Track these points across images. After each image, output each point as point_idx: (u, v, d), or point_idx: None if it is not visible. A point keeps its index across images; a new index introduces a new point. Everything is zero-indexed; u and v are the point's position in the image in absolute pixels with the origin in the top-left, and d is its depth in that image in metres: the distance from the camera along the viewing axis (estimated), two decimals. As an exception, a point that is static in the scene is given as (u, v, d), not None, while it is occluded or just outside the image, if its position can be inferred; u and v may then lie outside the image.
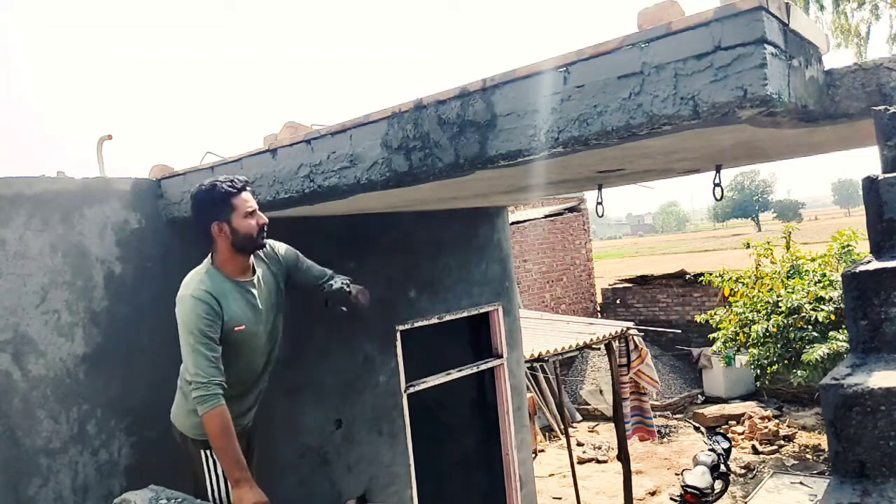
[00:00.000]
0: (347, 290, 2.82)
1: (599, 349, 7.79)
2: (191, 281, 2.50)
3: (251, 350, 2.58)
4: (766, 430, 10.10)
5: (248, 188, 2.54)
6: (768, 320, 8.00)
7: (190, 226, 2.83)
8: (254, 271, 2.62)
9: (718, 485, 7.75)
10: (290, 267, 2.79)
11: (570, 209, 14.46)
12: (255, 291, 2.59)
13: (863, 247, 7.67)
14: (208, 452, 2.58)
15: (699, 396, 12.23)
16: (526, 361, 6.21)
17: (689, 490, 7.43)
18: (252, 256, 2.62)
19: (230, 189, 2.47)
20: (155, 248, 3.22)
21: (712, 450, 8.09)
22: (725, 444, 8.40)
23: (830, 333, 7.40)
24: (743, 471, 9.09)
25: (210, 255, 2.59)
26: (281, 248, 2.79)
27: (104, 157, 3.48)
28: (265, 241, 2.62)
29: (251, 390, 2.68)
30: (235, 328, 2.47)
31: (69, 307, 2.93)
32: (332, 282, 2.84)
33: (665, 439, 10.57)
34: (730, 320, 8.69)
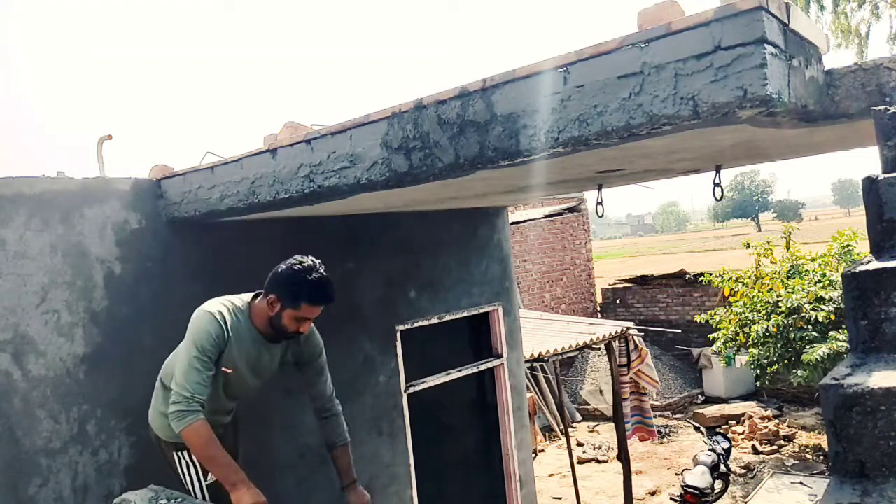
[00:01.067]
0: (341, 442, 2.88)
1: (599, 349, 7.79)
2: (221, 303, 2.53)
3: (223, 388, 2.61)
4: (766, 430, 10.10)
5: (325, 305, 2.51)
6: (768, 320, 8.00)
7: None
8: (277, 339, 2.64)
9: (718, 485, 7.75)
10: (306, 359, 2.76)
11: (570, 209, 14.46)
12: (264, 352, 2.62)
13: (863, 247, 7.67)
14: (181, 454, 2.61)
15: (699, 396, 12.23)
16: (526, 361, 6.21)
17: (689, 490, 7.43)
18: None
19: (311, 297, 2.44)
20: (155, 248, 3.22)
21: (712, 450, 8.09)
22: (725, 444, 8.40)
23: (830, 333, 7.39)
24: (743, 471, 9.09)
25: (254, 294, 2.60)
26: (313, 340, 2.76)
27: (104, 157, 3.48)
28: (290, 337, 2.62)
29: (222, 412, 2.73)
30: (223, 367, 2.50)
31: (69, 307, 2.93)
32: (330, 418, 2.85)
33: (665, 439, 10.57)
34: (730, 320, 8.69)
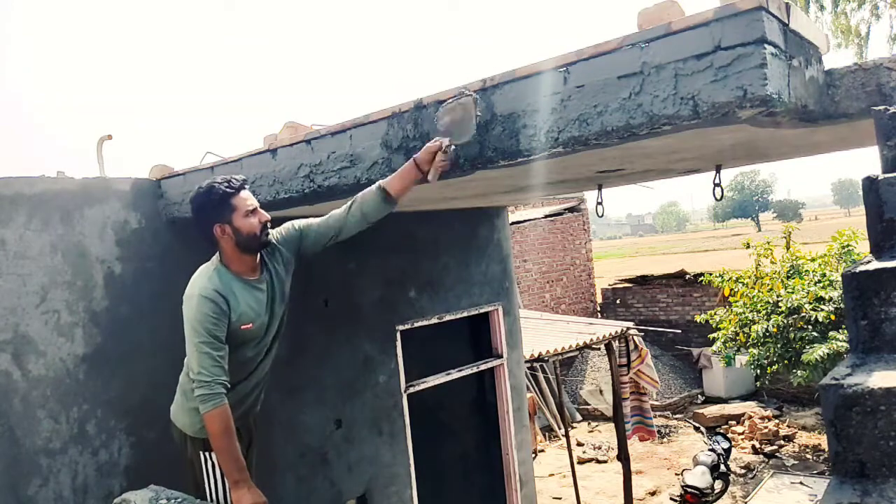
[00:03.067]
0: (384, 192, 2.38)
1: (599, 349, 7.79)
2: (199, 279, 2.48)
3: (255, 344, 2.57)
4: (766, 430, 10.10)
5: (246, 187, 2.49)
6: (768, 320, 7.99)
7: (192, 229, 2.80)
8: (262, 267, 2.58)
9: (718, 485, 7.75)
10: (295, 246, 2.64)
11: (570, 209, 14.45)
12: (263, 287, 2.56)
13: (863, 247, 7.67)
14: (208, 455, 2.56)
15: (699, 396, 12.23)
16: (526, 361, 6.21)
17: (689, 490, 7.43)
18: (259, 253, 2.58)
19: (227, 189, 2.43)
20: (155, 248, 3.22)
21: (712, 450, 8.09)
22: (725, 444, 8.40)
23: (830, 333, 7.39)
24: (743, 471, 9.09)
25: (217, 254, 2.56)
26: (278, 234, 2.63)
27: (104, 157, 3.48)
28: (269, 237, 2.55)
29: (252, 379, 2.66)
30: (242, 326, 2.45)
31: (69, 307, 2.93)
32: (358, 199, 2.48)
33: (665, 439, 10.56)
34: (730, 320, 8.68)
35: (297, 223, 2.64)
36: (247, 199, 2.47)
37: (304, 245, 2.64)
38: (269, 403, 3.01)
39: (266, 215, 2.49)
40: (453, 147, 2.12)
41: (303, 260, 2.69)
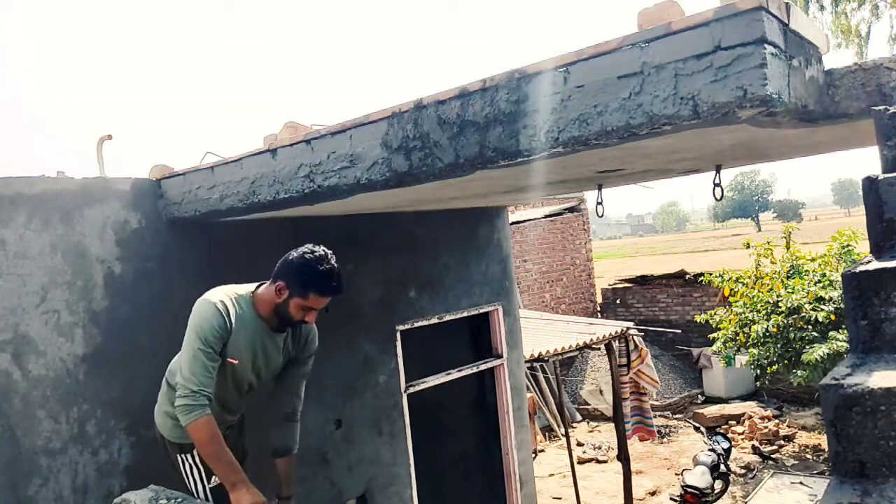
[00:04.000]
0: (294, 449, 2.79)
1: (599, 349, 7.79)
2: (223, 292, 2.49)
3: (232, 381, 2.59)
4: (766, 430, 10.10)
5: (338, 295, 2.48)
6: (768, 320, 7.99)
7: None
8: (282, 330, 2.62)
9: (718, 485, 7.75)
10: (302, 356, 2.76)
11: (570, 209, 14.45)
12: (269, 342, 2.59)
13: (863, 247, 7.66)
14: (185, 456, 2.59)
15: (699, 396, 12.23)
16: (526, 361, 6.21)
17: (689, 490, 7.43)
18: None
19: (320, 288, 2.41)
20: (155, 248, 3.22)
21: (712, 450, 8.09)
22: (725, 444, 8.40)
23: (830, 333, 7.39)
24: (743, 471, 9.09)
25: (260, 284, 2.58)
26: (313, 343, 2.76)
27: (104, 157, 3.48)
28: (297, 329, 2.63)
29: (230, 410, 2.70)
30: (229, 358, 2.47)
31: (69, 307, 2.93)
32: (293, 423, 2.78)
33: (665, 439, 10.56)
34: (730, 320, 8.68)
35: (312, 360, 2.80)
36: (322, 303, 2.47)
37: (294, 363, 2.75)
38: (269, 403, 3.01)
39: (314, 319, 2.52)
40: None
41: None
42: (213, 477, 2.56)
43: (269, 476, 2.80)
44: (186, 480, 2.62)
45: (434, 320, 4.61)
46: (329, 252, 2.46)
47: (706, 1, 1.61)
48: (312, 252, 2.42)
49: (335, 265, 2.44)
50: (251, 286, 2.57)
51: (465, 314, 4.89)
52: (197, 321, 2.39)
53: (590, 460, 9.89)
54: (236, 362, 2.49)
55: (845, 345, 6.83)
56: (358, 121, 2.40)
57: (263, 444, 2.97)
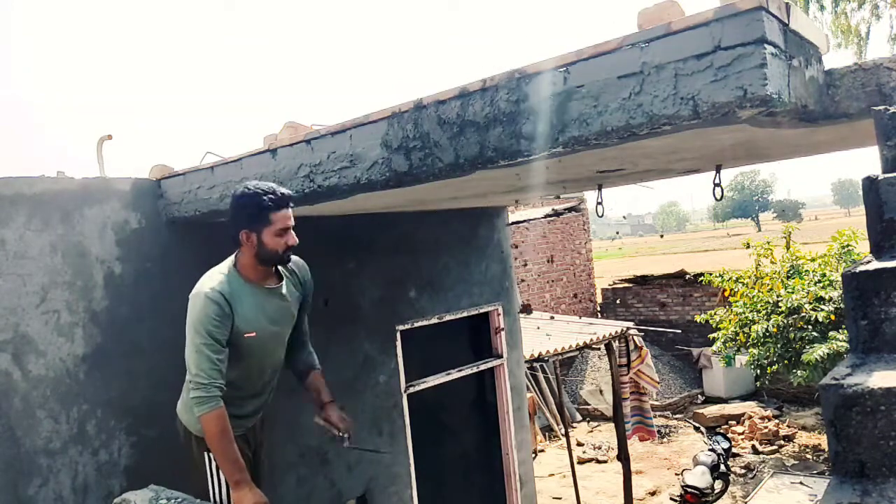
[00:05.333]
0: (317, 367, 2.85)
1: (599, 349, 7.79)
2: (208, 279, 2.47)
3: (259, 355, 2.56)
4: (766, 430, 10.10)
5: (291, 205, 2.47)
6: (768, 320, 7.99)
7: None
8: (278, 279, 2.60)
9: (718, 485, 7.75)
10: (306, 291, 2.76)
11: (570, 209, 14.46)
12: (273, 300, 2.57)
13: (863, 247, 7.66)
14: (211, 455, 2.56)
15: (699, 396, 12.23)
16: (526, 361, 6.21)
17: (689, 490, 7.43)
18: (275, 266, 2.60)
19: (270, 204, 2.41)
20: (155, 248, 3.22)
21: (712, 450, 8.09)
22: (725, 444, 8.40)
23: (830, 333, 7.39)
24: (743, 471, 9.09)
25: (234, 255, 2.56)
26: (307, 272, 2.77)
27: (104, 157, 3.48)
28: (290, 258, 2.58)
29: (255, 394, 2.67)
30: (246, 334, 2.45)
31: (69, 307, 2.93)
32: (309, 352, 2.85)
33: (665, 439, 10.56)
34: (730, 320, 8.68)
35: (310, 300, 2.82)
36: (287, 217, 2.45)
37: (302, 302, 2.76)
38: (270, 403, 3.01)
39: (295, 239, 2.49)
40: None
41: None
42: None
43: (274, 476, 2.79)
44: (210, 479, 2.58)
45: (434, 320, 4.61)
46: (251, 181, 2.49)
47: (706, 1, 1.61)
48: (245, 188, 2.45)
49: (268, 183, 2.47)
50: (230, 261, 2.55)
51: (465, 314, 4.89)
52: (193, 317, 2.39)
53: (590, 460, 9.89)
54: (254, 334, 2.47)
55: (845, 345, 6.82)
56: (358, 121, 2.40)
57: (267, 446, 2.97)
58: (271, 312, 2.55)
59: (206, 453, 2.57)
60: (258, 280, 2.52)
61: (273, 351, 2.62)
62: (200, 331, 2.36)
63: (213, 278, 2.47)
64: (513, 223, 12.20)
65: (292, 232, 2.48)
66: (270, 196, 2.40)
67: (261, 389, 2.65)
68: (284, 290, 2.61)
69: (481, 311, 5.05)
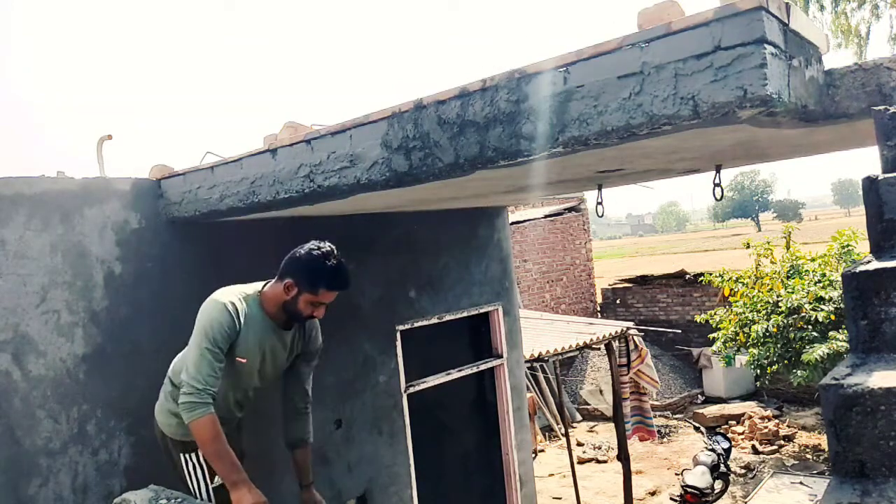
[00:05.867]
0: (309, 439, 2.88)
1: (599, 349, 7.79)
2: (231, 293, 2.51)
3: (238, 382, 2.60)
4: (766, 430, 10.10)
5: (343, 290, 2.53)
6: (768, 320, 7.99)
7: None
8: (288, 327, 2.63)
9: (718, 485, 7.75)
10: (309, 351, 2.80)
11: (570, 209, 14.46)
12: (276, 340, 2.61)
13: (863, 247, 7.66)
14: (188, 456, 2.59)
15: (699, 396, 12.23)
16: (526, 361, 6.21)
17: (689, 490, 7.43)
18: None
19: (330, 283, 2.45)
20: (155, 248, 3.22)
21: (712, 450, 8.09)
22: (725, 444, 8.40)
23: (830, 333, 7.39)
24: (743, 471, 9.09)
25: (266, 283, 2.60)
26: (318, 338, 2.81)
27: (104, 157, 3.48)
28: (305, 322, 2.65)
29: (231, 410, 2.70)
30: (238, 357, 2.49)
31: (69, 307, 2.93)
32: (305, 415, 2.86)
33: (665, 439, 10.57)
34: (730, 320, 8.68)
35: (318, 354, 2.86)
36: (329, 298, 2.50)
37: (298, 363, 2.80)
38: (270, 403, 3.01)
39: (322, 314, 2.55)
40: None
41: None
42: (216, 477, 2.56)
43: (273, 476, 2.80)
44: (189, 480, 2.62)
45: (434, 320, 4.61)
46: (334, 247, 2.50)
47: (706, 1, 1.61)
48: (319, 248, 2.47)
49: (341, 260, 2.48)
50: (258, 285, 2.59)
51: (465, 314, 4.89)
52: (206, 320, 2.40)
53: (590, 460, 9.89)
54: (245, 361, 2.50)
55: (845, 345, 6.82)
56: (358, 121, 2.40)
57: (263, 444, 2.98)
58: (269, 349, 2.60)
59: (182, 454, 2.60)
60: (273, 316, 2.56)
61: (254, 383, 2.68)
62: (209, 335, 2.37)
63: (237, 295, 2.52)
64: (513, 223, 12.19)
65: (324, 309, 2.54)
66: (335, 278, 2.45)
67: (229, 413, 2.66)
68: (288, 338, 2.66)
69: (481, 311, 5.05)
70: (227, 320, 2.40)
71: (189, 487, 2.62)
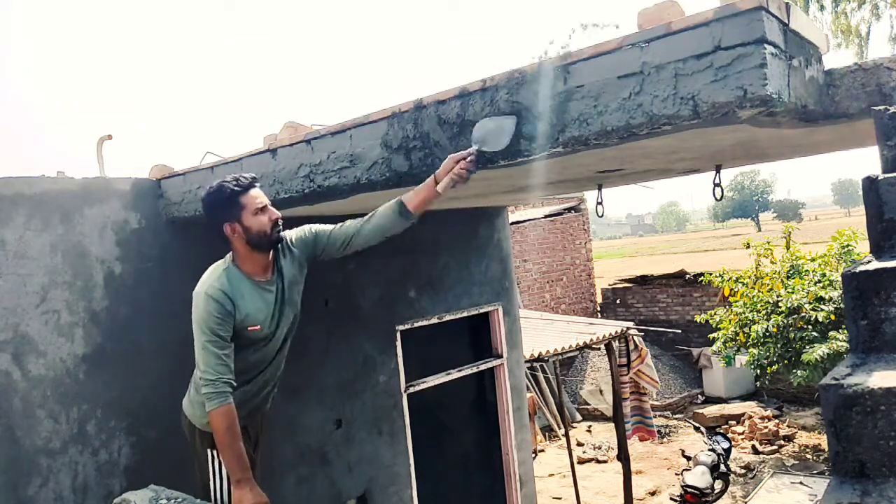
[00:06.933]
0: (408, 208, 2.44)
1: (599, 349, 7.79)
2: (208, 277, 2.48)
3: (264, 346, 2.56)
4: (766, 430, 10.10)
5: (256, 185, 2.47)
6: (768, 320, 7.99)
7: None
8: (275, 269, 2.57)
9: (718, 485, 7.75)
10: (310, 250, 2.63)
11: (570, 209, 14.46)
12: (272, 289, 2.55)
13: (863, 247, 7.66)
14: (215, 453, 2.56)
15: (699, 396, 12.23)
16: (526, 361, 6.21)
17: (689, 490, 7.43)
18: (272, 252, 2.55)
19: (235, 188, 2.41)
20: (155, 248, 3.22)
21: (712, 450, 8.09)
22: (725, 444, 8.40)
23: (830, 333, 7.39)
24: (743, 471, 9.09)
25: (230, 253, 2.55)
26: (293, 235, 2.63)
27: (104, 157, 3.48)
28: (280, 235, 2.52)
29: (260, 379, 2.65)
30: (249, 328, 2.44)
31: (69, 307, 2.93)
32: (381, 210, 2.49)
33: (665, 439, 10.56)
34: (730, 320, 8.68)
35: (313, 227, 2.62)
36: (256, 196, 2.44)
37: (317, 249, 2.62)
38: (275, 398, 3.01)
39: (276, 213, 2.46)
40: (476, 153, 2.05)
41: (316, 265, 2.68)
42: None
43: (273, 476, 2.79)
44: (213, 477, 2.57)
45: (434, 320, 4.61)
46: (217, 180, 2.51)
47: (706, 1, 1.61)
48: (208, 188, 2.48)
49: (229, 175, 2.48)
50: (228, 257, 2.54)
51: (465, 314, 4.89)
52: (197, 316, 2.40)
53: (590, 460, 9.89)
54: (258, 328, 2.47)
55: (845, 345, 6.82)
56: (358, 121, 2.41)
57: (261, 446, 2.98)
58: (273, 302, 2.54)
59: (209, 450, 2.57)
60: (257, 272, 2.51)
61: (277, 340, 2.60)
62: (204, 329, 2.37)
63: (213, 276, 2.47)
64: (513, 223, 12.20)
65: (271, 208, 2.45)
66: (234, 183, 2.42)
67: (260, 374, 2.62)
68: (281, 280, 2.57)
69: (481, 311, 5.05)
70: (216, 307, 2.37)
71: (211, 484, 2.58)
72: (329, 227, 2.59)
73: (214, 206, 2.45)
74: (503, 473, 5.29)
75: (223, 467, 2.53)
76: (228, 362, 2.37)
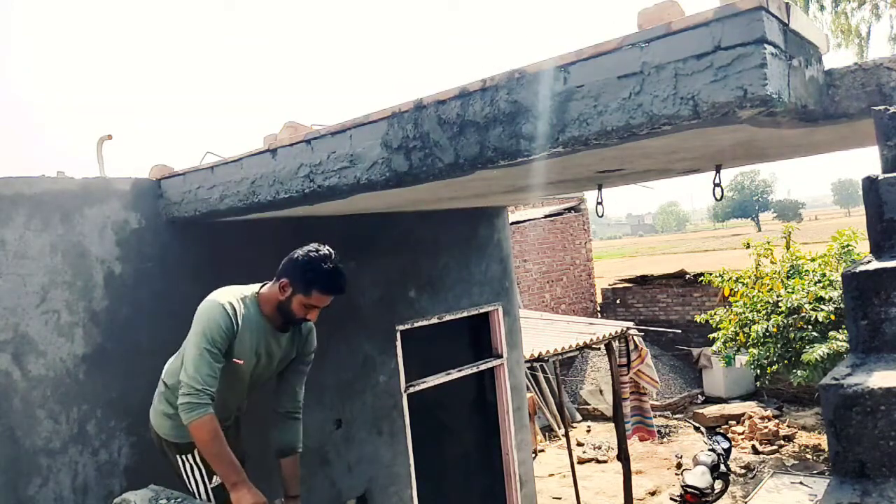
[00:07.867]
0: (299, 448, 2.79)
1: (599, 349, 7.79)
2: (229, 293, 2.51)
3: (235, 381, 2.59)
4: (766, 430, 10.10)
5: (340, 294, 2.52)
6: (768, 320, 7.99)
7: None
8: (285, 329, 2.63)
9: (718, 485, 7.75)
10: (303, 354, 2.77)
11: (570, 209, 14.46)
12: (272, 342, 2.60)
13: (863, 247, 7.66)
14: (185, 457, 2.58)
15: (699, 396, 12.23)
16: (526, 361, 6.21)
17: (689, 490, 7.43)
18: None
19: (325, 286, 2.45)
20: (155, 248, 3.22)
21: (712, 450, 8.09)
22: (725, 444, 8.40)
23: (830, 333, 7.39)
24: (743, 471, 9.09)
25: (263, 284, 2.59)
26: (313, 341, 2.79)
27: (104, 157, 3.48)
28: (300, 327, 2.66)
29: (221, 398, 2.70)
30: (235, 359, 2.48)
31: (69, 307, 2.93)
32: (295, 421, 2.77)
33: (665, 439, 10.56)
34: (730, 320, 8.68)
35: (311, 357, 2.82)
36: (324, 301, 2.50)
37: (292, 366, 2.76)
38: (269, 403, 3.01)
39: (315, 318, 2.55)
40: None
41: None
42: (215, 476, 2.56)
43: (273, 476, 2.80)
44: (187, 481, 2.62)
45: (434, 320, 4.61)
46: (333, 251, 2.49)
47: (706, 1, 1.61)
48: (317, 251, 2.46)
49: (339, 264, 2.47)
50: (255, 286, 2.59)
51: (465, 314, 4.89)
52: (204, 321, 2.40)
53: (590, 460, 9.89)
54: (242, 362, 2.50)
55: (845, 345, 6.82)
56: (358, 121, 2.40)
57: (263, 445, 2.98)
58: (265, 351, 2.59)
59: (178, 457, 2.59)
60: (270, 318, 2.56)
61: (249, 384, 2.67)
62: (208, 336, 2.36)
63: (235, 295, 2.51)
64: (513, 223, 12.20)
65: (318, 312, 2.53)
66: (330, 282, 2.44)
67: (227, 412, 2.66)
68: (284, 341, 2.66)
69: (481, 311, 5.05)
70: (226, 321, 2.39)
71: (189, 488, 2.62)
72: (306, 370, 2.82)
73: (302, 269, 2.45)
74: (503, 473, 5.29)
75: (195, 470, 2.56)
76: (216, 376, 2.39)
